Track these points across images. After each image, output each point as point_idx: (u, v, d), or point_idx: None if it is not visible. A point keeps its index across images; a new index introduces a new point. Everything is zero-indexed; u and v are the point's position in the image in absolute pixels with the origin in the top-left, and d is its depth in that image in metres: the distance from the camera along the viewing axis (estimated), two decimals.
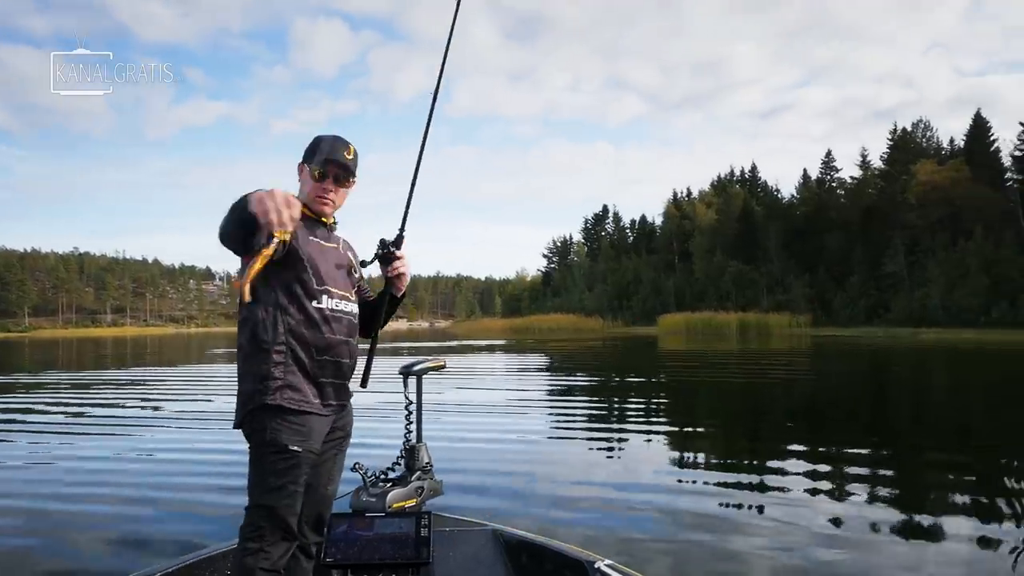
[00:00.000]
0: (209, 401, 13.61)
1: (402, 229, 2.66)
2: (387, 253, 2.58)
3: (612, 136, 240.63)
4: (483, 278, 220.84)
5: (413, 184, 2.71)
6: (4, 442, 9.43)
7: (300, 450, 2.28)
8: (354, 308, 2.53)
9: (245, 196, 2.07)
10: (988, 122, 60.47)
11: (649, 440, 9.14)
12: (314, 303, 2.36)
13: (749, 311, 61.11)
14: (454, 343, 43.28)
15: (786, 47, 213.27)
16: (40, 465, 7.76)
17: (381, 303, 2.67)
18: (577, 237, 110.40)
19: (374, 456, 2.54)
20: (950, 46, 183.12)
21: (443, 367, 2.95)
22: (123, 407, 12.98)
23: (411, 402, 2.68)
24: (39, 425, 10.73)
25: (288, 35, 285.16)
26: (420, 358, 2.80)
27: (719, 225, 74.81)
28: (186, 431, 9.96)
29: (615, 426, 10.31)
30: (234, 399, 2.41)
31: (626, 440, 9.06)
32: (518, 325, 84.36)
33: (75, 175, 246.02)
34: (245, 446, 2.33)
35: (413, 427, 2.72)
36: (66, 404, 13.72)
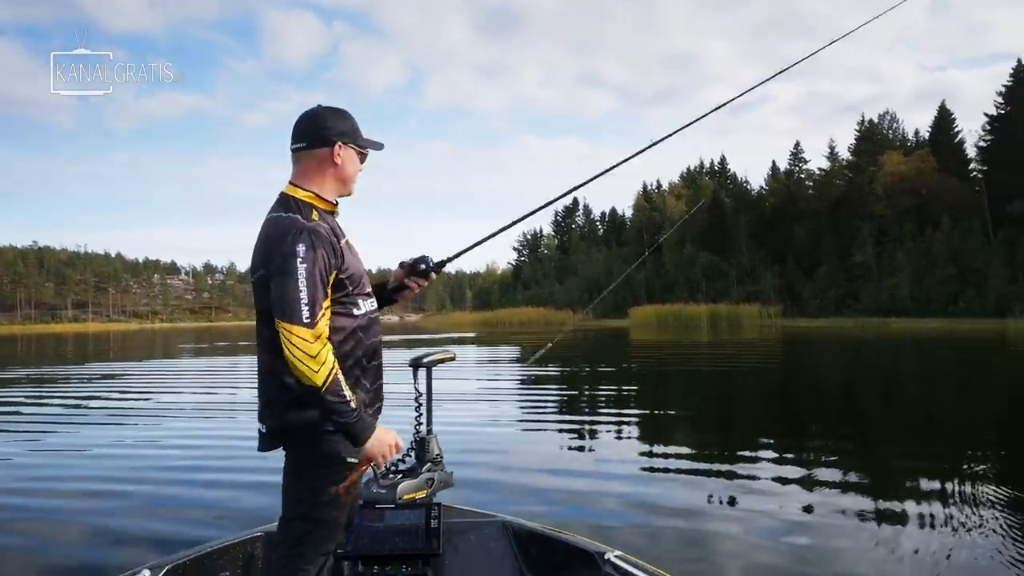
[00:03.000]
0: (181, 394, 13.29)
1: (449, 260, 2.68)
2: (424, 270, 2.59)
3: (584, 131, 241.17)
4: (453, 272, 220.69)
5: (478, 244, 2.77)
6: None
7: (357, 460, 2.21)
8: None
9: (355, 422, 2.08)
10: (952, 114, 61.48)
11: (625, 429, 9.16)
12: (355, 310, 2.25)
13: (720, 302, 61.59)
14: (426, 336, 43.10)
15: (755, 43, 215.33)
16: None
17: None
18: (547, 230, 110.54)
19: None
20: (914, 42, 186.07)
21: (453, 359, 2.85)
22: (90, 402, 12.61)
23: (420, 394, 2.56)
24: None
25: (259, 26, 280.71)
26: (429, 350, 2.72)
27: (689, 217, 75.19)
28: (155, 428, 9.71)
29: (595, 416, 10.32)
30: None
31: (609, 429, 9.09)
32: (489, 319, 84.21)
33: (36, 166, 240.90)
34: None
35: (423, 419, 2.61)
36: (27, 401, 13.31)
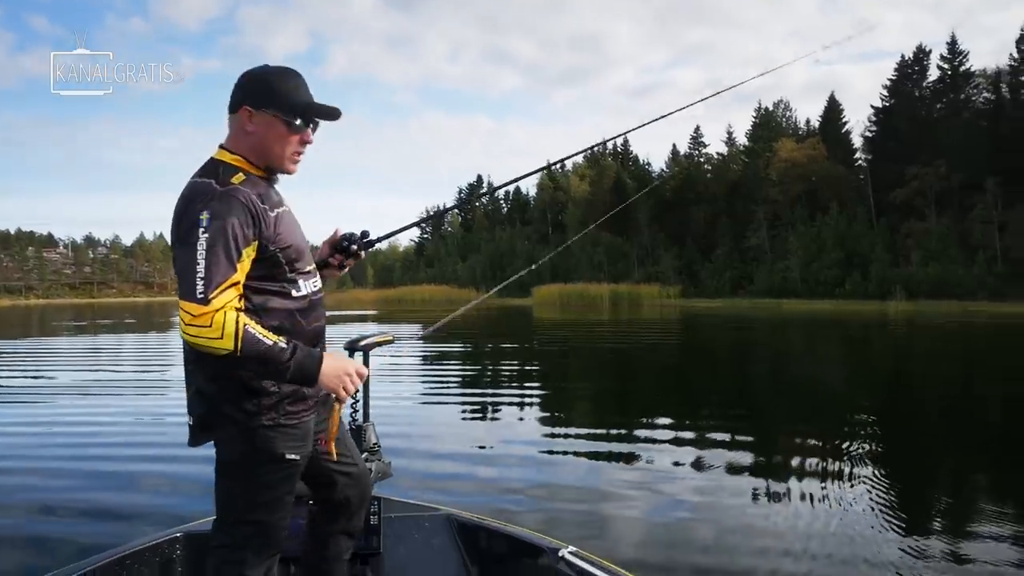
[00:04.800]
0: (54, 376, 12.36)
1: (380, 239, 2.44)
2: (349, 248, 2.36)
3: (491, 108, 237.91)
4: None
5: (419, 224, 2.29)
6: None
7: (298, 458, 1.93)
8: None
9: (292, 362, 1.75)
10: (840, 105, 64.25)
11: (528, 407, 9.15)
12: (295, 291, 1.93)
13: (621, 282, 62.63)
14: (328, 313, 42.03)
15: (659, 28, 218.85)
16: None
17: None
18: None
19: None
20: (807, 35, 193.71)
21: (391, 342, 2.62)
22: None
23: None
24: None
25: None
26: (366, 332, 2.53)
27: (592, 197, 76.08)
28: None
29: (498, 393, 10.17)
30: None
31: (513, 407, 9.00)
32: (390, 296, 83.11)
33: None
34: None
35: (359, 406, 2.44)
36: None
